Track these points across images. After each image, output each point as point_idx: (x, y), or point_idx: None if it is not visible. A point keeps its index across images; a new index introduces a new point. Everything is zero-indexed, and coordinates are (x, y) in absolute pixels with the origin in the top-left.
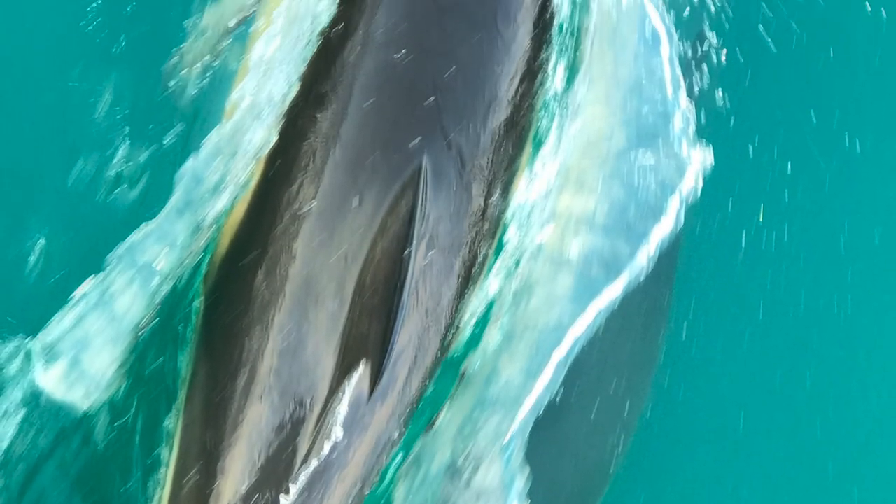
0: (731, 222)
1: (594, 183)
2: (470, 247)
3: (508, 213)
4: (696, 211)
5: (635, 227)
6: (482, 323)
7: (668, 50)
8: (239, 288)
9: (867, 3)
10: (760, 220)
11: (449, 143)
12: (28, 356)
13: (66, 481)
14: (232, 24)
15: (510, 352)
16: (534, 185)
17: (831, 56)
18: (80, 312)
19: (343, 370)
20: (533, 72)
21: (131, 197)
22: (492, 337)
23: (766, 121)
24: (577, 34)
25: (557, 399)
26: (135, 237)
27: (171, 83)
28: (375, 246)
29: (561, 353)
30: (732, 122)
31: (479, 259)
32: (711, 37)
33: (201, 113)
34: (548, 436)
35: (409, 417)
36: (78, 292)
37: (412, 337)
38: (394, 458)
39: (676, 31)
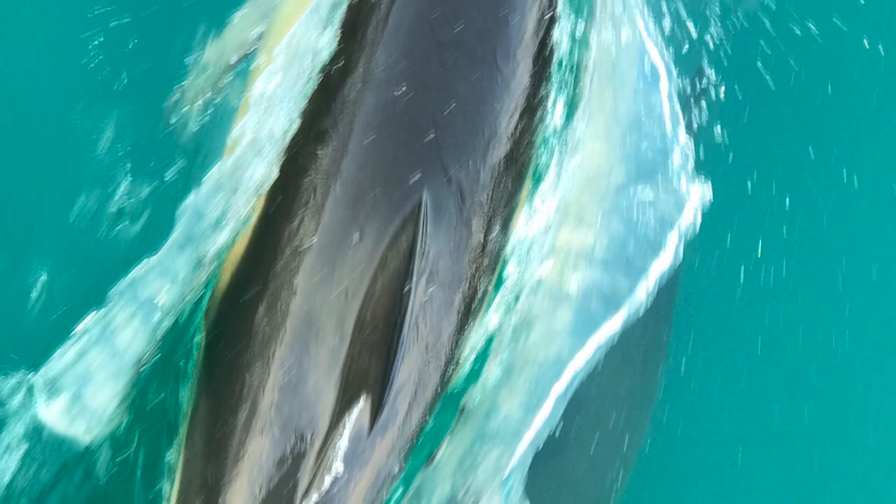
0: (729, 258)
1: (593, 218)
2: (470, 282)
3: (508, 249)
4: (694, 246)
5: (634, 262)
6: (482, 358)
7: (667, 86)
8: (240, 323)
9: (865, 39)
10: (759, 255)
11: (449, 179)
12: (30, 391)
13: None
14: (233, 60)
15: (510, 386)
16: (533, 220)
17: (829, 92)
18: (82, 347)
19: (343, 405)
20: (532, 108)
21: (133, 232)
22: (491, 371)
23: (765, 156)
24: (577, 70)
25: (557, 433)
26: (136, 273)
27: (173, 119)
28: (376, 282)
29: (560, 387)
30: (731, 157)
31: (479, 294)
32: (710, 73)
33: (202, 149)
34: (547, 470)
35: (409, 452)
36: (80, 327)
37: (412, 372)
38: (394, 493)
39: (675, 67)
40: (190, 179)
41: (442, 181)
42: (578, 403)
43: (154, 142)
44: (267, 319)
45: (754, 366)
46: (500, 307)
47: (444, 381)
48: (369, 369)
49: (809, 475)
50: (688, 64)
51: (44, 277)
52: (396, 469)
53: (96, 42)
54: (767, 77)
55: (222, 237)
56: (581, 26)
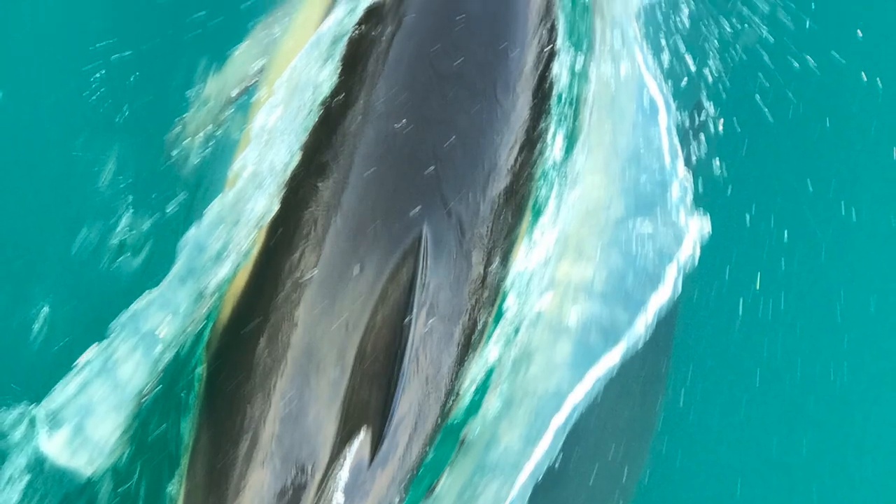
0: (728, 290)
1: (593, 251)
2: (470, 314)
3: (508, 281)
4: (693, 279)
5: (633, 294)
6: (482, 389)
7: (666, 119)
8: (241, 355)
9: (863, 73)
10: (757, 288)
11: (449, 212)
12: (32, 423)
13: None
14: (234, 94)
15: (509, 418)
16: (533, 253)
17: (827, 125)
18: (84, 379)
19: (344, 437)
20: (532, 141)
21: (134, 265)
22: (491, 403)
23: (763, 190)
24: (576, 104)
25: (556, 465)
26: (138, 305)
27: (174, 152)
28: (376, 314)
29: (560, 419)
30: (730, 190)
31: (479, 326)
32: (709, 106)
33: (204, 182)
34: (547, 502)
35: (409, 483)
36: (81, 359)
37: (412, 404)
38: None
39: (674, 100)
40: (191, 212)
41: (442, 214)
42: (578, 435)
43: (155, 175)
44: (268, 351)
45: (753, 398)
46: (499, 339)
47: (445, 412)
48: (370, 401)
49: None
50: (687, 97)
51: (46, 310)
52: (397, 500)
53: (98, 75)
54: (766, 110)
55: (223, 270)
56: (580, 60)
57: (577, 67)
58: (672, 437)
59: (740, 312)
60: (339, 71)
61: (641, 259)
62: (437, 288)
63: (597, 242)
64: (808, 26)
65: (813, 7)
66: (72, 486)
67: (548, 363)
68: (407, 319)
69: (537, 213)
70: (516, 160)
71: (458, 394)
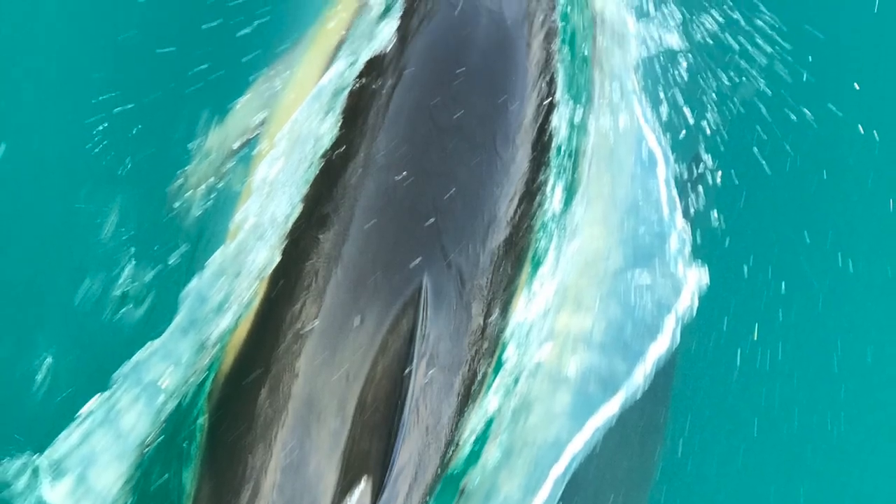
0: (726, 341)
1: (592, 302)
2: (470, 365)
3: (507, 332)
4: (691, 329)
5: (632, 345)
6: (482, 440)
7: (664, 171)
8: (242, 405)
9: (860, 125)
10: (755, 338)
11: (449, 264)
12: (35, 472)
13: None
14: (236, 146)
15: (509, 468)
16: (532, 304)
17: (825, 177)
18: (87, 429)
19: (345, 487)
20: (531, 193)
21: (137, 316)
22: (491, 453)
23: (761, 241)
24: (575, 156)
25: None
26: (140, 356)
27: (176, 204)
28: (377, 364)
29: (559, 469)
30: (727, 242)
31: (479, 377)
32: (707, 159)
33: (205, 233)
34: None
35: None
36: (84, 410)
37: (413, 454)
38: None
39: (672, 153)
40: (193, 264)
41: (442, 265)
42: (577, 485)
43: (158, 226)
44: (269, 402)
45: (750, 448)
46: (499, 390)
47: (444, 462)
48: (370, 451)
49: None
50: (685, 150)
51: (49, 360)
52: None
53: (100, 128)
54: (763, 162)
55: (225, 321)
56: (580, 112)
57: (577, 120)
58: (670, 486)
59: (738, 363)
60: (339, 123)
61: (640, 310)
62: (437, 339)
63: (596, 293)
64: (805, 79)
65: (810, 60)
66: None
67: (547, 413)
68: (407, 370)
69: (537, 265)
70: (516, 212)
71: (457, 444)
